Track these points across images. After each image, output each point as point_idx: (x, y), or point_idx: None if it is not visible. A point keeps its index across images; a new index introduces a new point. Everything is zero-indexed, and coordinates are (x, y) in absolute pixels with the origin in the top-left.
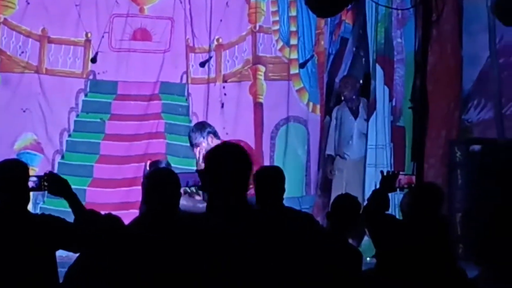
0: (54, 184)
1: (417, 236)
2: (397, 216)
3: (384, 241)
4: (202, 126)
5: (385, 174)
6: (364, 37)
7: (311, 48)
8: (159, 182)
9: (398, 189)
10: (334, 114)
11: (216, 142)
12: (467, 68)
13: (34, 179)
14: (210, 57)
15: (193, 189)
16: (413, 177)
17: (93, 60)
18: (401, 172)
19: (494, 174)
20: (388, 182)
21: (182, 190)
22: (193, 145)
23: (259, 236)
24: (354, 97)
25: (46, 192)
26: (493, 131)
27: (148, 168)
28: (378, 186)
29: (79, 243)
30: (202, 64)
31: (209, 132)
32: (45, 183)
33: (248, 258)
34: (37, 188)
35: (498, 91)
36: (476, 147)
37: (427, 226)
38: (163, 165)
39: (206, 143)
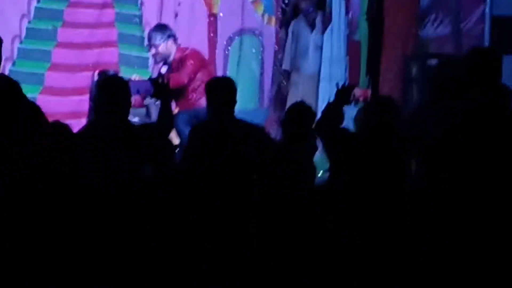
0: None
1: (372, 149)
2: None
3: (337, 154)
4: (164, 28)
5: (340, 87)
6: None
7: None
8: (108, 90)
9: (352, 103)
10: (290, 28)
11: (174, 47)
12: None
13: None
14: None
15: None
16: (368, 91)
17: None
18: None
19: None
20: (342, 94)
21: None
22: (150, 45)
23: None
24: (311, 9)
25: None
26: (450, 47)
27: (96, 77)
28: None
29: None
30: None
31: (169, 36)
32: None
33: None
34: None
35: (456, 6)
36: (433, 61)
37: (382, 139)
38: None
39: (165, 46)
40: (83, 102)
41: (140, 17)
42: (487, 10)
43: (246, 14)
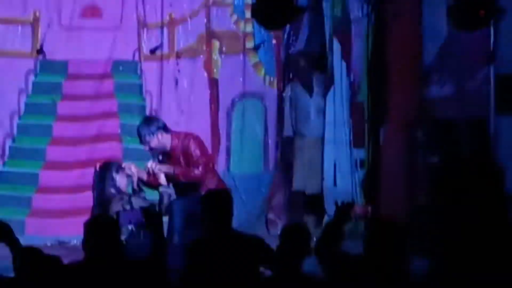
0: None
1: (373, 276)
2: None
3: (337, 278)
4: (149, 122)
5: (339, 204)
6: (320, 10)
7: None
8: (96, 232)
9: (353, 220)
10: (287, 92)
11: (166, 137)
12: (428, 42)
13: None
14: (161, 44)
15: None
16: (369, 208)
17: (39, 51)
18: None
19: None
20: (342, 212)
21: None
22: (142, 142)
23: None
24: (308, 73)
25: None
26: (455, 107)
27: (97, 170)
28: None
29: None
30: (153, 51)
31: (158, 128)
32: None
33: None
34: None
35: (460, 65)
36: (434, 159)
37: (384, 263)
38: (113, 168)
39: (157, 140)
40: (85, 175)
41: (140, 86)
42: (491, 69)
43: (247, 78)
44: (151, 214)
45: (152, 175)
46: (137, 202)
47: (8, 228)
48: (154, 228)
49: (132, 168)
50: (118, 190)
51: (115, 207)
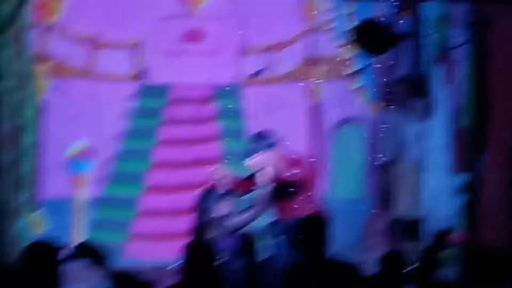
0: (91, 253)
1: None
2: None
3: None
4: (261, 138)
5: (437, 231)
6: (422, 35)
7: None
8: (194, 256)
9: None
10: (387, 118)
11: (273, 155)
12: None
13: (71, 248)
14: (263, 68)
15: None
16: (465, 234)
17: (140, 75)
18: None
19: None
20: (440, 240)
21: None
22: (249, 156)
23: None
24: (409, 98)
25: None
26: None
27: (199, 195)
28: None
29: None
30: (255, 75)
31: (269, 145)
32: (82, 252)
33: None
34: (74, 257)
35: None
36: None
37: None
38: (215, 194)
39: (265, 157)
40: (185, 200)
41: (242, 110)
42: None
43: (349, 102)
44: (246, 241)
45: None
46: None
47: (102, 252)
48: (249, 254)
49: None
50: (218, 216)
51: (213, 233)
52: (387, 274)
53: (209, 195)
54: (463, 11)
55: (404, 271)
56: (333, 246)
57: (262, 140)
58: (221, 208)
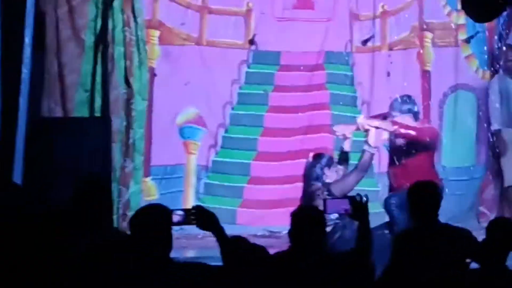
0: (202, 217)
1: None
2: None
3: None
4: (405, 101)
5: None
6: None
7: None
8: (304, 223)
9: None
10: (496, 85)
11: (412, 123)
12: None
13: (181, 213)
14: (373, 35)
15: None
16: None
17: (251, 42)
18: None
19: None
20: None
21: None
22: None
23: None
24: None
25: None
26: None
27: (309, 161)
28: None
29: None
30: (365, 42)
31: (409, 110)
32: (192, 217)
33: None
34: (185, 222)
35: None
36: None
37: None
38: (324, 160)
39: (402, 120)
40: (296, 166)
41: (352, 77)
42: None
43: (460, 70)
44: (358, 203)
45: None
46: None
47: (213, 217)
48: (361, 218)
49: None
50: (325, 183)
51: (319, 200)
52: (496, 241)
53: (318, 161)
54: None
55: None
56: (447, 213)
57: (402, 103)
58: (330, 175)
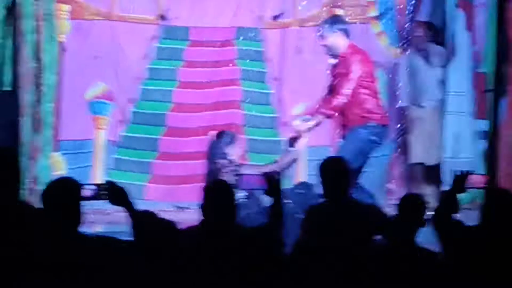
0: (113, 193)
1: (487, 245)
2: None
3: (453, 248)
4: (334, 20)
5: (457, 174)
6: None
7: None
8: (215, 196)
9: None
10: (404, 62)
11: (343, 41)
12: None
13: (93, 187)
14: (284, 12)
15: None
16: (486, 177)
17: (162, 17)
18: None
19: None
20: (459, 182)
21: None
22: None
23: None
24: (426, 44)
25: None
26: None
27: (212, 138)
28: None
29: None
30: (276, 18)
31: (340, 29)
32: (104, 192)
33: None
34: (95, 197)
35: None
36: None
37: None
38: (228, 137)
39: (333, 38)
40: (205, 142)
41: (262, 53)
42: None
43: (371, 47)
44: (273, 180)
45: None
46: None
47: (124, 192)
48: (274, 194)
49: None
50: (230, 160)
51: (224, 176)
52: (405, 217)
53: (221, 139)
54: None
55: (421, 214)
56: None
57: (331, 22)
58: (233, 152)
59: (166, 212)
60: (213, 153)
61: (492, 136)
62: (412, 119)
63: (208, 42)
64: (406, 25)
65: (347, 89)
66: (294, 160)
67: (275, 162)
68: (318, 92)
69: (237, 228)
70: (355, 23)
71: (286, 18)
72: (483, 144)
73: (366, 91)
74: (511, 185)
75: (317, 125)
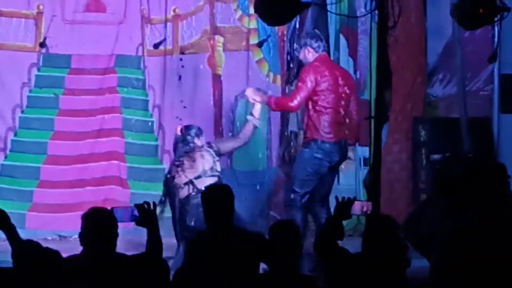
0: None
1: (371, 271)
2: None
3: (336, 275)
4: (310, 36)
5: (340, 200)
6: (325, 5)
7: None
8: (95, 223)
9: (353, 216)
10: (292, 88)
11: (311, 57)
12: (432, 40)
13: None
14: (165, 39)
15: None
16: (369, 204)
17: (42, 45)
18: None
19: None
20: (342, 209)
21: None
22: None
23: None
24: None
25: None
26: (457, 106)
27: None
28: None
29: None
30: (156, 46)
31: (305, 44)
32: None
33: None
34: None
35: (461, 66)
36: (436, 156)
37: (382, 261)
38: (194, 130)
39: (303, 54)
40: (87, 170)
41: (144, 81)
42: (495, 69)
43: (251, 74)
44: (146, 211)
45: None
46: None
47: (5, 216)
48: (149, 224)
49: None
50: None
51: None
52: (278, 243)
53: (188, 132)
54: None
55: (295, 240)
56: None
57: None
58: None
59: (47, 241)
60: (182, 144)
61: (373, 163)
62: (298, 144)
63: (88, 69)
64: (287, 52)
65: (297, 94)
66: (255, 127)
67: (238, 135)
68: (199, 119)
69: (117, 257)
70: (236, 50)
71: (167, 45)
72: (365, 171)
73: (311, 106)
74: (392, 211)
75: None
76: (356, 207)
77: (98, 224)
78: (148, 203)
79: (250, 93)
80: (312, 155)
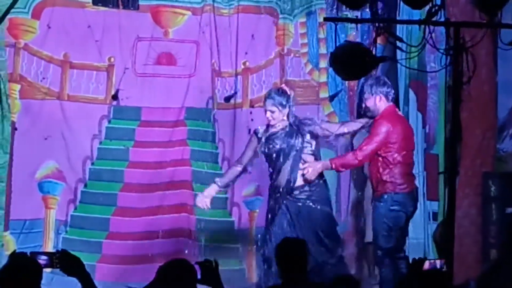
0: (66, 262)
1: None
2: None
3: None
4: (377, 82)
5: (413, 260)
6: (396, 60)
7: None
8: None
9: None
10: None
11: (383, 105)
12: (502, 95)
13: (45, 257)
14: (235, 92)
15: None
16: (442, 261)
17: (114, 97)
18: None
19: None
20: (415, 268)
21: None
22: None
23: None
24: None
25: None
26: None
27: None
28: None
29: None
30: (227, 99)
31: (380, 92)
32: (57, 261)
33: None
34: (49, 265)
35: None
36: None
37: None
38: None
39: (373, 101)
40: (155, 222)
41: (214, 133)
42: None
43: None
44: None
45: None
46: None
47: (79, 262)
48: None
49: None
50: None
51: None
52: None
53: None
54: (440, 36)
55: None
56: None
57: (373, 84)
58: None
59: None
60: None
61: (445, 218)
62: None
63: (158, 122)
64: (357, 105)
65: (365, 147)
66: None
67: None
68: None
69: None
70: (306, 104)
71: (237, 98)
72: (434, 226)
73: (381, 159)
74: (461, 266)
75: None
76: (426, 266)
77: (175, 277)
78: (210, 261)
79: (310, 175)
80: (388, 208)
